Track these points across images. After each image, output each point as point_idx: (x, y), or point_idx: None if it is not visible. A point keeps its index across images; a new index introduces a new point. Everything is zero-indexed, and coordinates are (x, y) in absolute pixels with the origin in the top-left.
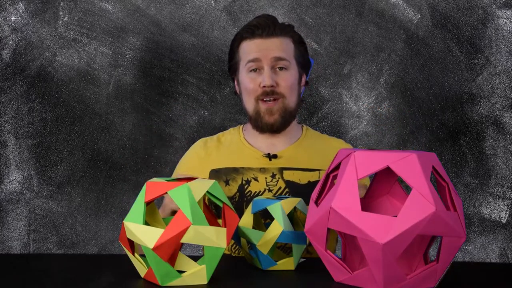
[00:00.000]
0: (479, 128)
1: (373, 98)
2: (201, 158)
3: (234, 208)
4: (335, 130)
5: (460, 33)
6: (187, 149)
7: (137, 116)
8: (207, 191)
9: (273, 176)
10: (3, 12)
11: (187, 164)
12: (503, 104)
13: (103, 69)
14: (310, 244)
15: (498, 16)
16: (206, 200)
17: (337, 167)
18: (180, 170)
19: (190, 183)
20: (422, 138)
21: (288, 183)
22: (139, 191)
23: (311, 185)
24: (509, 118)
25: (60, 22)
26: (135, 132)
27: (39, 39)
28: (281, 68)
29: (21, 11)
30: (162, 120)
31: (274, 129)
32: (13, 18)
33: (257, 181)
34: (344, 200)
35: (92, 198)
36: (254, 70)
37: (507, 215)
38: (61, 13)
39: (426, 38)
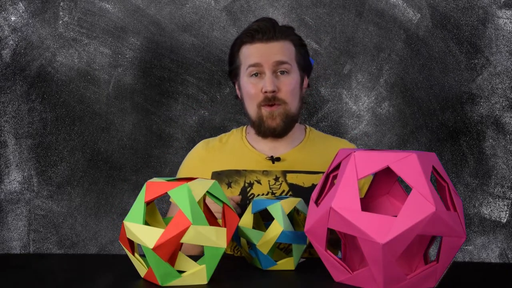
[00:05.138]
0: (479, 128)
1: (373, 98)
2: (203, 160)
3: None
4: (335, 130)
5: (460, 33)
6: (187, 149)
7: (137, 116)
8: (207, 191)
9: (277, 179)
10: (3, 12)
11: (189, 165)
12: (503, 104)
13: (103, 69)
14: (311, 246)
15: (498, 16)
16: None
17: (337, 167)
18: (182, 171)
19: (190, 183)
20: (422, 138)
21: (292, 186)
22: (139, 191)
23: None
24: (509, 118)
25: (60, 22)
26: (135, 132)
27: (39, 39)
28: (282, 72)
29: (21, 11)
30: (162, 120)
31: (276, 134)
32: (13, 18)
33: (260, 184)
34: (344, 200)
35: (92, 198)
36: (255, 74)
37: (507, 215)
38: (61, 13)
39: (426, 38)
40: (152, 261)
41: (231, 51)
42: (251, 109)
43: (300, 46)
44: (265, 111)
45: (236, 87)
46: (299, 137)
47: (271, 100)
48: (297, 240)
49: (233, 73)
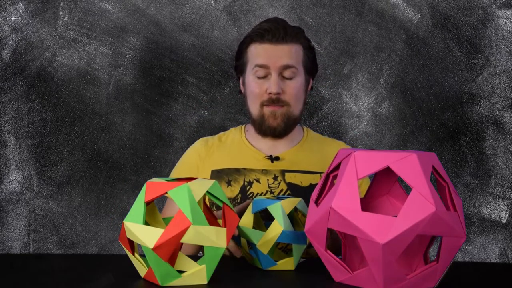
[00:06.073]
0: (479, 128)
1: (373, 98)
2: (201, 157)
3: None
4: (335, 130)
5: (460, 33)
6: (187, 149)
7: (137, 116)
8: (207, 191)
9: (275, 178)
10: (3, 12)
11: (187, 162)
12: (503, 104)
13: (103, 69)
14: (310, 246)
15: (498, 16)
16: (207, 201)
17: (337, 167)
18: (180, 168)
19: (190, 183)
20: (422, 138)
21: (290, 186)
22: (139, 191)
23: (313, 187)
24: (509, 118)
25: (60, 22)
26: (135, 132)
27: (39, 39)
28: (288, 76)
29: (21, 11)
30: (162, 120)
31: (276, 134)
32: (13, 18)
33: (259, 182)
34: (344, 200)
35: (92, 198)
36: (261, 75)
37: (507, 215)
38: (61, 13)
39: (426, 38)
40: (152, 261)
41: (240, 47)
42: (254, 107)
43: (309, 50)
44: (267, 110)
45: (240, 82)
46: (297, 137)
47: (275, 101)
48: (297, 240)
49: (239, 68)
